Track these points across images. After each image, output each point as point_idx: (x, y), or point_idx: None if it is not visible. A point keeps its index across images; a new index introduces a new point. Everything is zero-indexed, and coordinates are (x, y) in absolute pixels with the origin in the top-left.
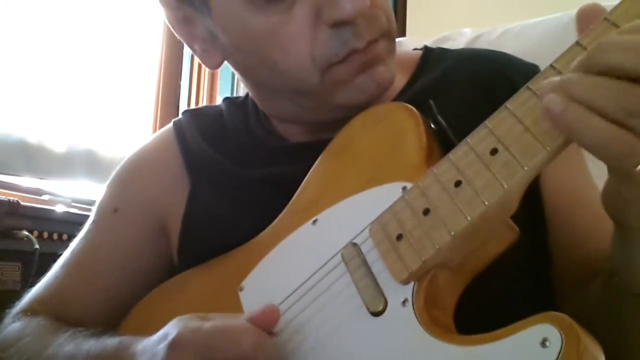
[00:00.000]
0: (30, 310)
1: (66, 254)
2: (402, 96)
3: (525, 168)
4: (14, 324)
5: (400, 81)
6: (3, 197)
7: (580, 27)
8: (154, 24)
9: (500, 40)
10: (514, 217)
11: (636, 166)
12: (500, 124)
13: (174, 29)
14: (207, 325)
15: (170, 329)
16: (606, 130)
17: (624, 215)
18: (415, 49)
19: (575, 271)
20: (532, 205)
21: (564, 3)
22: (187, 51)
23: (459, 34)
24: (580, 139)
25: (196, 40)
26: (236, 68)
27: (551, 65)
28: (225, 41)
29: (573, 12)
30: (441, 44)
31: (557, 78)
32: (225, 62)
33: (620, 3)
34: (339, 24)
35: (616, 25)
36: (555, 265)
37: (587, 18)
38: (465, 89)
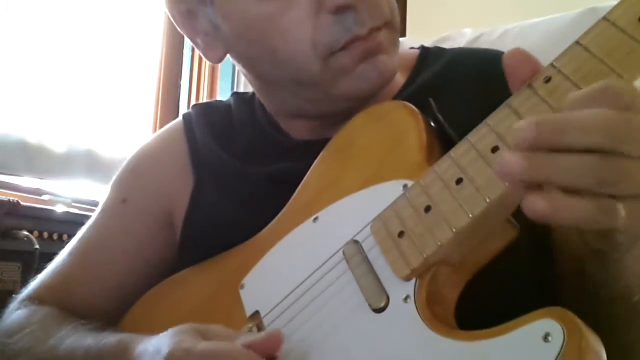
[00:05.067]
0: (37, 298)
1: (73, 242)
2: (401, 94)
3: None
4: (19, 311)
5: (399, 79)
6: (3, 197)
7: (509, 72)
8: (154, 24)
9: (500, 40)
10: (515, 215)
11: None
12: (501, 122)
13: (177, 23)
14: (200, 346)
15: (164, 344)
16: (586, 207)
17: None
18: (412, 48)
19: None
20: None
21: (564, 3)
22: (187, 51)
23: (459, 34)
24: (562, 223)
25: (199, 34)
26: (238, 60)
27: (551, 64)
28: (227, 31)
29: (573, 12)
30: (441, 44)
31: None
32: (227, 60)
33: (619, 3)
34: (340, 10)
35: (615, 25)
36: (557, 266)
37: (515, 62)
38: (463, 87)
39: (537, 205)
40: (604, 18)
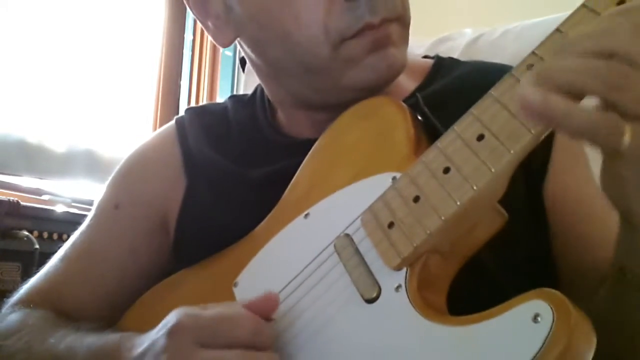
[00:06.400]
0: (30, 302)
1: (66, 247)
2: (411, 99)
3: (512, 151)
4: (13, 314)
5: (410, 85)
6: (3, 197)
7: None
8: (154, 24)
9: (500, 40)
10: (513, 214)
11: (622, 143)
12: (486, 111)
13: (189, 6)
14: (206, 312)
15: (170, 318)
16: (589, 115)
17: (625, 199)
18: (426, 57)
19: (583, 279)
20: (532, 203)
21: (564, 3)
22: (187, 51)
23: (459, 34)
24: (565, 129)
25: (210, 17)
26: (249, 45)
27: (533, 52)
28: (240, 12)
29: None
30: (441, 44)
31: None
32: (227, 60)
33: None
34: None
35: (595, 12)
36: (562, 273)
37: None
38: (475, 99)
39: (551, 102)
40: (583, 5)
